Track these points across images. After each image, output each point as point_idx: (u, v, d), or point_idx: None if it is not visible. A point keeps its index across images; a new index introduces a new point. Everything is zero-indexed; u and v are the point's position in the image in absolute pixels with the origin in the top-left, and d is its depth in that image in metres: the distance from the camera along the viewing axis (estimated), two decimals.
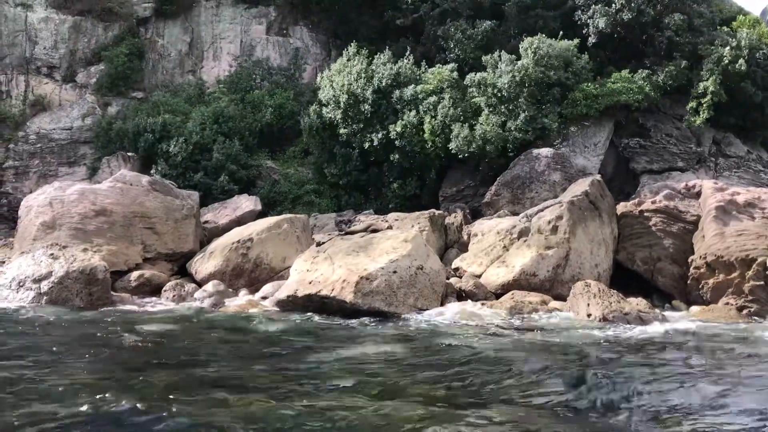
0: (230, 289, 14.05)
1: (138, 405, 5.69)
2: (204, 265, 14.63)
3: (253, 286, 14.33)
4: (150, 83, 24.67)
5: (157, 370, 7.09)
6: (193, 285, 14.07)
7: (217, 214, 18.49)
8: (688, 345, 9.33)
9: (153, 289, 13.92)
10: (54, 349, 8.10)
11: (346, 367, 7.47)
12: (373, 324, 10.54)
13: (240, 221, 17.52)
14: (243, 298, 13.76)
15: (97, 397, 5.88)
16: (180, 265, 15.37)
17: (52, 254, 12.56)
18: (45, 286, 11.91)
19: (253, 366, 7.46)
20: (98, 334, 9.15)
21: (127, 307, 11.96)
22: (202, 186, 19.63)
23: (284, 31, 25.74)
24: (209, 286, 13.75)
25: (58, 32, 24.25)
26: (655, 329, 10.37)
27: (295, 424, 5.45)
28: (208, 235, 17.02)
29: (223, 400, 6.04)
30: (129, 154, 20.65)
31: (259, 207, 18.36)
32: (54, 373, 6.83)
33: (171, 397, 6.03)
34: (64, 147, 22.99)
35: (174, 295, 13.35)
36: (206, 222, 17.72)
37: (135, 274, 13.93)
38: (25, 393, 6.14)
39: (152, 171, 19.71)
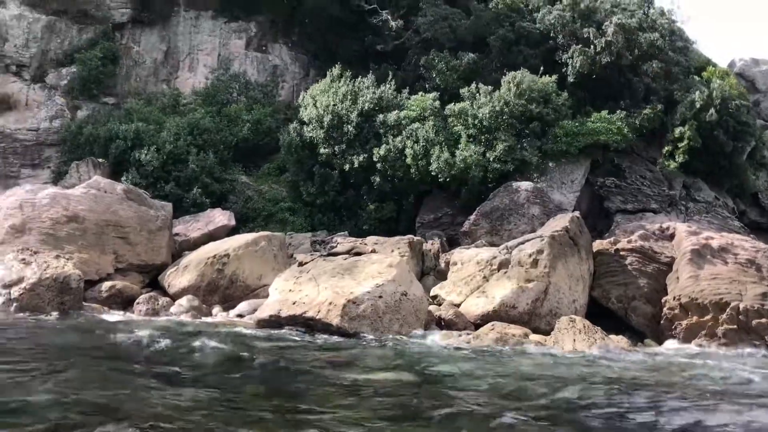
0: (204, 305, 13.72)
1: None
2: (178, 278, 14.26)
3: (227, 303, 14.01)
4: (123, 89, 24.12)
5: (163, 389, 6.81)
6: (167, 299, 13.67)
7: (188, 227, 18.09)
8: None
9: (124, 300, 13.47)
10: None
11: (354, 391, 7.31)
12: (359, 347, 10.36)
13: (213, 235, 17.15)
14: (218, 315, 13.43)
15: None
16: (152, 278, 14.95)
17: (23, 259, 12.09)
18: (16, 292, 11.46)
19: (260, 388, 7.24)
20: (87, 345, 8.77)
21: (103, 317, 11.51)
22: (173, 197, 19.14)
23: (263, 48, 25.56)
24: (184, 301, 13.39)
25: (30, 30, 23.51)
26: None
27: None
28: (178, 248, 16.63)
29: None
30: (99, 160, 20.05)
31: (233, 222, 18.03)
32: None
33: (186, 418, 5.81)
34: (29, 148, 22.22)
35: (148, 309, 12.93)
36: (177, 234, 17.29)
37: (107, 284, 13.47)
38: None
39: (123, 179, 19.15)
